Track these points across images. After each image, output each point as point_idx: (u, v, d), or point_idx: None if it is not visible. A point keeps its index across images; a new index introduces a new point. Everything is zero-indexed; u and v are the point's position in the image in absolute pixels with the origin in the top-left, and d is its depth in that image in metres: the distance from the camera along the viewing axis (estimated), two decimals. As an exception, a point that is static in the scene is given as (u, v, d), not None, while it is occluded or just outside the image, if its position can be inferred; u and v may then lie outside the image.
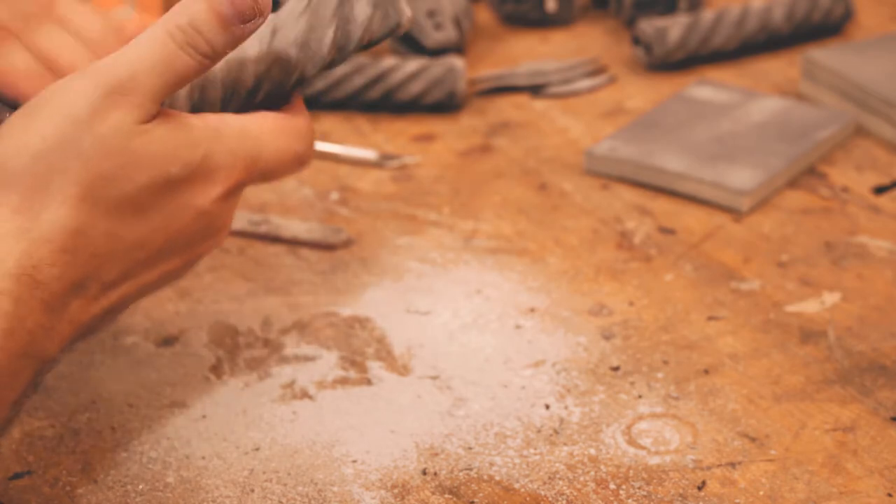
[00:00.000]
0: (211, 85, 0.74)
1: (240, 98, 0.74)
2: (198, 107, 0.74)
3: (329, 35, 0.74)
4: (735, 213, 1.05)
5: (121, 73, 0.70)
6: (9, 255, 0.68)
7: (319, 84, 1.19)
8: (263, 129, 0.75)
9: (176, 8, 0.71)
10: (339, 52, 0.75)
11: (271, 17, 0.75)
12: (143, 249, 0.73)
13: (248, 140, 0.74)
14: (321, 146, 1.13)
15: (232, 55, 0.74)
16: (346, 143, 1.16)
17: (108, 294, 0.72)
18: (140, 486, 0.81)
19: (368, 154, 1.12)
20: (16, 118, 0.70)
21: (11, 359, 0.68)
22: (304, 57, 0.74)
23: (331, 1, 0.75)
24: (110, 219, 0.71)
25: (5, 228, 0.68)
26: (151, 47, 0.70)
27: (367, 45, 0.76)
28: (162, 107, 0.73)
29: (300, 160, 0.77)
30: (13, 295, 0.68)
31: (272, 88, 0.75)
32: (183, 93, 0.75)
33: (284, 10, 0.75)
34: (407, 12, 0.75)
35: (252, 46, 0.74)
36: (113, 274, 0.72)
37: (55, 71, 0.80)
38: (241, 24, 0.71)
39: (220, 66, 0.74)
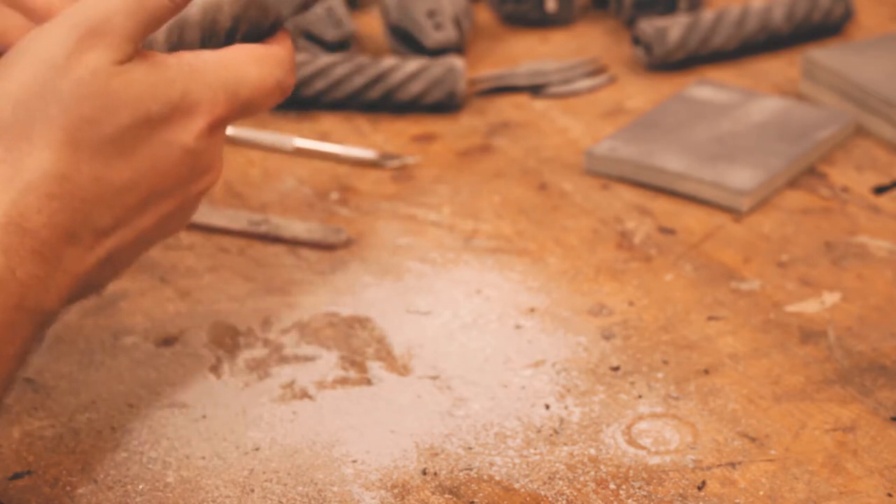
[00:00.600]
0: (188, 27, 0.75)
1: (218, 40, 0.75)
2: (176, 49, 0.75)
3: None
4: (735, 213, 1.05)
5: (95, 16, 0.70)
6: None
7: (319, 84, 1.19)
8: (241, 60, 0.75)
9: None
10: None
11: None
12: (133, 192, 0.72)
13: (226, 71, 0.74)
14: (321, 146, 1.13)
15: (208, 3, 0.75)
16: (346, 143, 1.16)
17: (102, 242, 0.72)
18: (140, 486, 0.81)
19: (368, 154, 1.12)
20: None
21: (5, 311, 0.68)
22: None
23: None
24: (95, 162, 0.70)
25: None
26: None
27: None
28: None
29: (282, 88, 0.77)
30: (1, 245, 0.67)
31: (250, 29, 0.75)
32: (161, 37, 0.75)
33: None
34: None
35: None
36: (105, 220, 0.72)
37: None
38: None
39: (196, 8, 0.75)
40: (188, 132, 0.73)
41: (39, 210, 0.69)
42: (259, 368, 0.90)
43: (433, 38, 1.25)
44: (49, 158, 0.69)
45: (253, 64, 0.75)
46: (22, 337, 0.69)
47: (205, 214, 1.03)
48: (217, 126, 0.75)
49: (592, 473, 0.81)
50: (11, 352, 0.69)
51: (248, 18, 0.75)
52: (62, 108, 0.69)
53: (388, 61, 1.20)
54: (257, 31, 0.76)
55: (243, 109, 0.76)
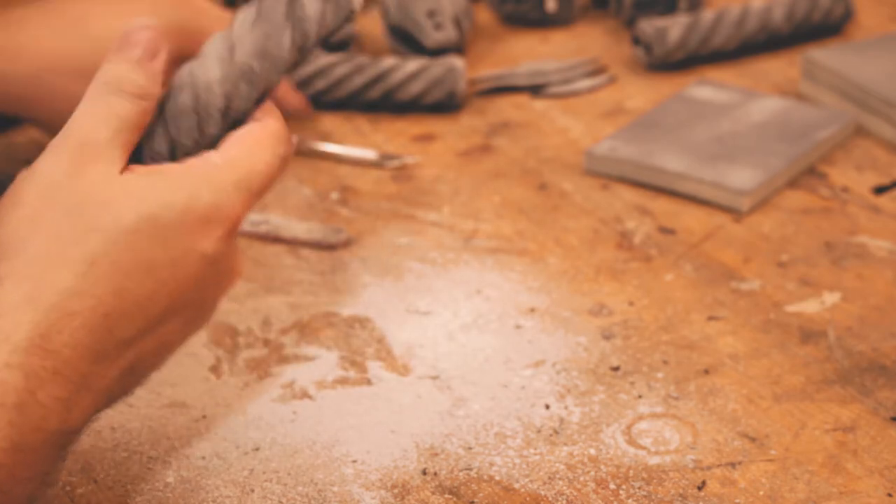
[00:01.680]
0: (183, 115, 0.75)
1: (214, 120, 0.75)
2: (175, 138, 0.74)
3: (286, 38, 0.75)
4: (735, 213, 1.05)
5: (79, 134, 0.72)
6: (18, 328, 0.68)
7: (320, 84, 1.19)
8: (246, 152, 0.74)
9: (96, 76, 0.74)
10: (301, 53, 0.76)
11: (224, 34, 0.76)
12: (154, 302, 0.72)
13: (235, 171, 0.74)
14: (321, 146, 1.13)
15: (197, 80, 0.75)
16: (346, 143, 1.16)
17: (124, 354, 0.71)
18: (140, 486, 0.81)
19: (368, 154, 1.12)
20: (6, 199, 0.71)
21: (25, 434, 0.67)
22: (268, 65, 0.75)
23: (279, 5, 0.76)
24: (114, 275, 0.70)
25: (13, 299, 0.68)
26: (92, 104, 0.73)
27: (325, 39, 0.77)
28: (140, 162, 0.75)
29: (285, 161, 0.77)
30: (24, 368, 0.67)
31: (242, 104, 0.75)
32: (159, 129, 0.75)
33: (236, 25, 0.76)
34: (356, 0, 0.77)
35: (214, 68, 0.75)
36: (127, 332, 0.71)
37: None
38: (149, 60, 0.74)
39: (188, 95, 0.75)
40: (207, 239, 0.73)
41: (61, 329, 0.68)
42: (259, 368, 0.90)
43: (433, 38, 1.25)
44: (68, 277, 0.69)
45: (258, 152, 0.75)
46: (42, 459, 0.69)
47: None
48: (236, 227, 0.74)
49: (592, 473, 0.81)
50: (29, 474, 0.68)
51: (240, 93, 0.75)
52: (72, 224, 0.70)
53: (388, 61, 1.20)
54: (249, 103, 0.76)
55: (257, 199, 0.76)
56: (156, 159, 0.74)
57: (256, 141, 0.75)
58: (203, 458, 0.83)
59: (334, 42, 1.24)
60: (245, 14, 0.76)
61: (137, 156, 0.74)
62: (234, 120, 0.75)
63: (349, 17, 0.76)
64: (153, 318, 0.72)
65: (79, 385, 0.69)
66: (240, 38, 0.75)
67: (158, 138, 0.74)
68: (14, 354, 0.67)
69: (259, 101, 0.76)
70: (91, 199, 0.70)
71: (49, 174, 0.71)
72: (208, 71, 0.75)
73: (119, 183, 0.71)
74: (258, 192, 0.75)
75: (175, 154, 0.74)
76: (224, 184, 0.73)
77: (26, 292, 0.68)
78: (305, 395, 0.88)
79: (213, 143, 0.75)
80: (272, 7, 0.75)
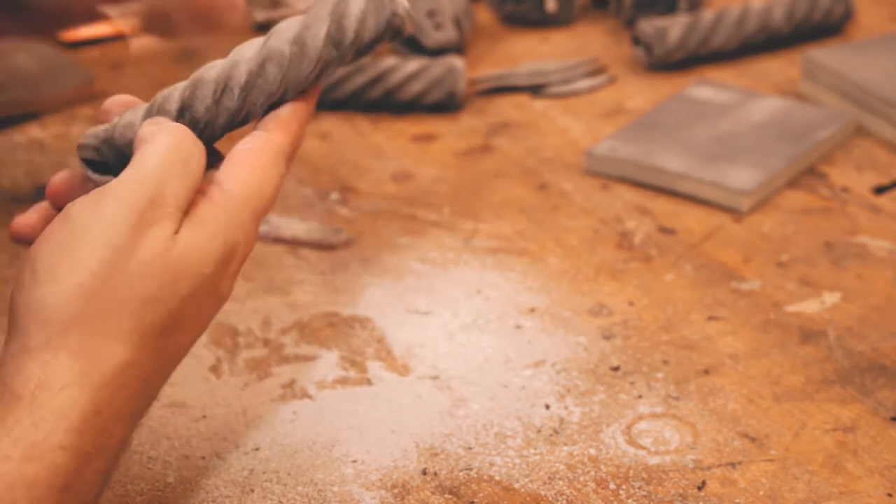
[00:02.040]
0: (204, 83, 0.75)
1: (232, 94, 0.75)
2: (188, 102, 0.74)
3: (323, 30, 0.75)
4: (735, 213, 1.05)
5: (150, 191, 0.70)
6: (73, 408, 0.68)
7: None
8: (258, 176, 0.74)
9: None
10: (336, 48, 0.76)
11: (274, 28, 0.76)
12: (181, 350, 0.73)
13: (253, 201, 0.74)
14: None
15: (230, 57, 0.75)
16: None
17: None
18: (140, 486, 0.81)
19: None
20: (55, 252, 0.69)
21: None
22: (298, 51, 0.75)
23: (326, 4, 0.76)
24: (159, 340, 0.71)
25: (67, 377, 0.68)
26: (158, 156, 0.71)
27: (366, 45, 0.77)
28: (154, 106, 0.74)
29: (283, 177, 0.77)
30: (75, 449, 0.67)
31: (266, 86, 0.75)
32: (177, 91, 0.75)
33: (285, 21, 0.76)
34: (403, 3, 0.76)
35: (249, 48, 0.75)
36: (160, 385, 0.73)
37: None
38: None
39: (216, 68, 0.75)
40: (229, 279, 0.74)
41: (111, 403, 0.69)
42: (259, 368, 0.90)
43: (433, 38, 1.25)
44: (122, 350, 0.69)
45: (268, 175, 0.75)
46: None
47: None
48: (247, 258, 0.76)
49: (592, 473, 0.81)
50: None
51: (265, 74, 0.75)
52: (131, 294, 0.69)
53: (388, 61, 1.20)
54: (272, 87, 0.75)
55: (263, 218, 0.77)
56: (166, 103, 0.74)
57: (267, 160, 0.75)
58: (203, 458, 0.83)
59: None
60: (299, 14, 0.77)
61: (150, 111, 0.75)
62: (254, 102, 0.75)
63: (391, 22, 0.76)
64: (179, 358, 0.73)
65: (117, 453, 0.70)
66: (282, 26, 0.76)
67: (172, 99, 0.75)
68: (69, 434, 0.67)
69: (284, 97, 0.76)
70: (152, 270, 0.70)
71: (110, 233, 0.69)
72: (242, 50, 0.75)
73: (175, 247, 0.70)
74: (265, 215, 0.75)
75: (182, 115, 0.74)
76: (244, 220, 0.73)
77: (81, 368, 0.68)
78: (305, 395, 0.88)
79: (225, 118, 0.75)
80: (320, 4, 0.76)
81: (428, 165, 1.13)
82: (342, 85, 1.19)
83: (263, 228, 1.03)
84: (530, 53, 1.30)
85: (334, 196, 1.09)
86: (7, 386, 0.67)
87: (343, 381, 0.89)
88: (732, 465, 0.82)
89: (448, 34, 1.25)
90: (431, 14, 1.26)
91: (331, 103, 1.20)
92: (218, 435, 0.85)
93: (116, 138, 0.75)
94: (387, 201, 1.08)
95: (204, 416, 0.86)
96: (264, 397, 0.88)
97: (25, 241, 0.75)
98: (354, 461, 0.82)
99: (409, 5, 0.77)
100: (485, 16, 1.36)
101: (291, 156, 0.76)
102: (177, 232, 0.71)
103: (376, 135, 1.17)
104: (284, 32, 0.76)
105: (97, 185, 0.74)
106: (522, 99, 1.22)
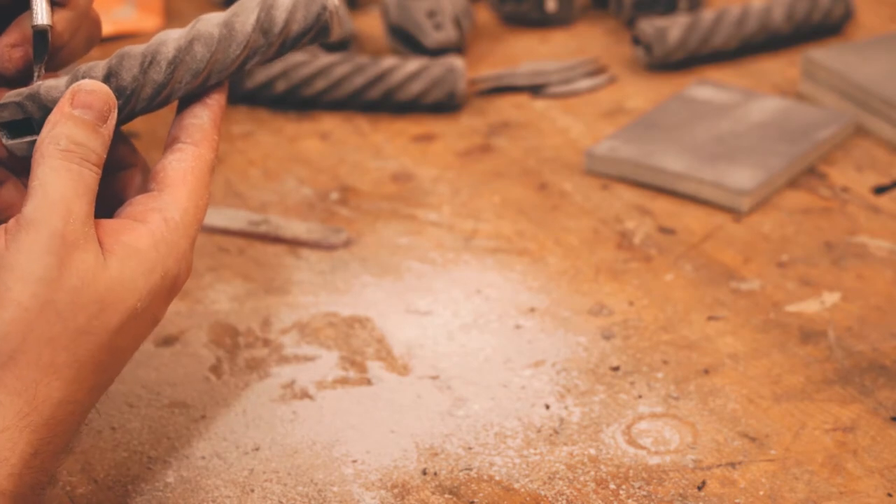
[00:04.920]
0: (130, 57, 0.75)
1: (159, 68, 0.75)
2: (115, 70, 0.75)
3: (252, 16, 0.76)
4: (735, 213, 1.05)
5: (59, 215, 0.69)
6: (13, 451, 0.67)
7: (319, 84, 1.19)
8: (194, 200, 0.74)
9: (46, 133, 0.71)
10: (265, 35, 0.77)
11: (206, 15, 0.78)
12: (113, 378, 0.73)
13: (189, 226, 0.74)
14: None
15: (154, 37, 0.76)
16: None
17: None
18: (140, 486, 0.81)
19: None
20: None
21: None
22: (227, 34, 0.76)
23: None
24: (94, 374, 0.70)
25: (7, 418, 0.67)
26: (62, 178, 0.70)
27: (294, 37, 0.78)
28: (78, 73, 0.74)
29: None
30: (12, 493, 0.67)
31: (194, 65, 0.76)
32: (101, 63, 0.75)
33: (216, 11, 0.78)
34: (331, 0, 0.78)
35: (175, 31, 0.77)
36: (89, 409, 0.72)
37: None
38: (102, 123, 0.72)
39: (143, 46, 0.76)
40: (165, 307, 0.74)
41: (50, 442, 0.69)
42: (259, 368, 0.90)
43: (433, 38, 1.25)
44: (59, 387, 0.69)
45: (201, 194, 0.75)
46: None
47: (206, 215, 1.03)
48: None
49: (592, 473, 0.81)
50: None
51: (193, 52, 0.76)
52: (63, 326, 0.69)
53: (388, 61, 1.20)
54: (199, 65, 0.76)
55: None
56: (90, 75, 0.74)
57: (202, 182, 0.75)
58: (203, 458, 0.83)
59: (334, 42, 1.24)
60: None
61: (70, 76, 0.74)
62: (179, 80, 0.75)
63: (321, 16, 0.77)
64: (107, 388, 0.73)
65: (45, 487, 0.70)
66: (210, 15, 0.77)
67: (97, 67, 0.75)
68: (9, 480, 0.67)
69: (208, 80, 0.76)
70: (82, 300, 0.69)
71: (36, 263, 0.68)
72: (169, 32, 0.76)
73: (105, 277, 0.70)
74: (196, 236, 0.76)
75: (108, 82, 0.74)
76: (184, 249, 0.73)
77: (20, 408, 0.68)
78: (305, 395, 0.88)
79: (151, 90, 0.75)
80: None
81: (428, 165, 1.13)
82: (342, 85, 1.19)
83: (263, 228, 1.03)
84: (530, 53, 1.30)
85: (334, 196, 1.09)
86: None
87: (343, 381, 0.89)
88: (732, 465, 0.82)
89: (448, 34, 1.25)
90: (431, 14, 1.26)
91: (331, 103, 1.20)
92: (218, 435, 0.85)
93: (42, 95, 0.74)
94: (387, 201, 1.08)
95: (204, 416, 0.86)
96: (264, 397, 0.88)
97: None
98: (354, 461, 0.82)
99: (338, 3, 0.78)
100: (485, 16, 1.36)
101: (211, 172, 0.77)
102: (102, 252, 0.70)
103: (376, 135, 1.17)
104: (213, 18, 0.77)
105: (9, 149, 0.74)
106: (522, 99, 1.22)
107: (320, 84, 1.19)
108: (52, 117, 0.71)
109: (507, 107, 1.21)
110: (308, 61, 1.19)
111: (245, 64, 0.77)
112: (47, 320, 0.68)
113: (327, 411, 0.86)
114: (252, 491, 0.80)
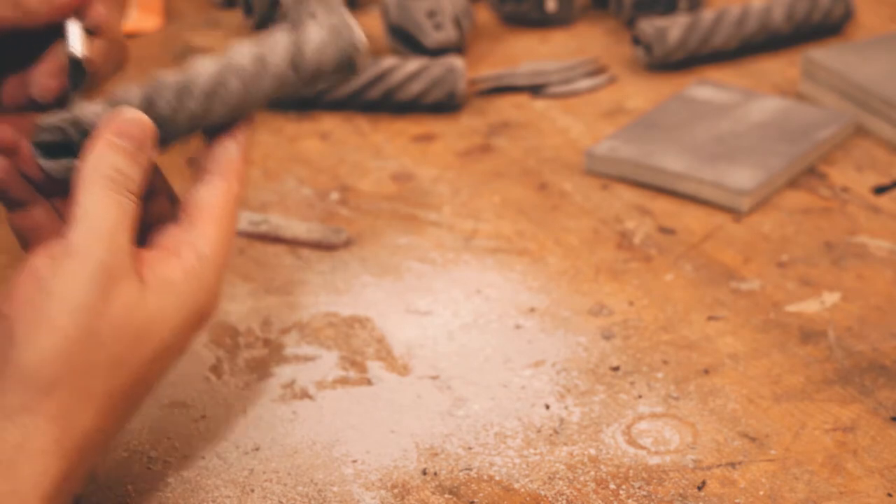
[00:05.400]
0: (166, 87, 0.76)
1: (195, 97, 0.76)
2: (151, 98, 0.75)
3: (285, 51, 0.77)
4: (735, 213, 1.05)
5: (104, 246, 0.70)
6: (46, 475, 0.68)
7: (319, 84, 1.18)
8: (224, 232, 0.76)
9: (92, 160, 0.72)
10: (296, 71, 0.78)
11: (236, 47, 0.79)
12: (139, 407, 0.74)
13: (219, 259, 0.75)
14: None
15: (187, 68, 0.77)
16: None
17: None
18: (140, 486, 0.81)
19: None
20: (29, 314, 0.69)
21: None
22: (260, 68, 0.77)
23: (287, 29, 0.78)
24: (123, 402, 0.72)
25: (43, 442, 0.69)
26: (107, 208, 0.71)
27: (324, 73, 0.79)
28: (114, 99, 0.75)
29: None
30: None
31: (228, 97, 0.77)
32: (135, 88, 0.76)
33: (248, 42, 0.79)
34: (361, 37, 0.79)
35: (207, 61, 0.77)
36: (112, 437, 0.74)
37: None
38: (141, 153, 0.74)
39: (178, 75, 0.77)
40: (192, 339, 0.75)
41: (79, 467, 0.70)
42: (259, 368, 0.90)
43: (433, 38, 1.25)
44: (92, 416, 0.70)
45: (230, 227, 0.76)
46: None
47: None
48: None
49: (592, 473, 0.81)
50: None
51: (226, 83, 0.77)
52: (103, 356, 0.70)
53: (388, 61, 1.20)
54: (233, 98, 0.77)
55: None
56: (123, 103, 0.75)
57: (231, 216, 0.76)
58: (203, 458, 0.83)
59: None
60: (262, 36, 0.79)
61: (113, 101, 0.75)
62: (214, 110, 0.76)
63: (351, 54, 0.78)
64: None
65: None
66: (242, 47, 0.78)
67: (132, 93, 0.76)
68: (41, 503, 0.68)
69: (240, 112, 0.77)
70: (121, 331, 0.70)
71: (80, 292, 0.69)
72: (200, 62, 0.77)
73: (143, 309, 0.71)
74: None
75: (147, 112, 0.75)
76: (213, 284, 0.75)
77: (55, 435, 0.69)
78: (305, 395, 0.88)
79: (186, 119, 0.76)
80: (281, 29, 0.78)
81: (428, 165, 1.13)
82: (342, 85, 1.19)
83: (263, 228, 1.03)
84: (530, 53, 1.30)
85: (334, 196, 1.09)
86: None
87: (343, 381, 0.89)
88: (732, 465, 0.82)
89: (448, 34, 1.25)
90: (431, 14, 1.26)
91: (331, 103, 1.20)
92: (218, 435, 0.85)
93: (82, 119, 0.75)
94: (387, 201, 1.08)
95: (204, 416, 0.86)
96: (264, 397, 0.88)
97: None
98: (354, 461, 0.82)
99: (366, 41, 0.79)
100: (485, 16, 1.36)
101: (239, 201, 0.78)
102: (141, 283, 0.71)
103: (376, 135, 1.17)
104: (246, 50, 0.78)
105: (44, 169, 0.75)
106: (522, 99, 1.22)
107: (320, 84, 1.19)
108: (93, 144, 0.73)
109: (507, 107, 1.21)
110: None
111: (274, 97, 0.78)
112: (88, 349, 0.70)
113: (327, 411, 0.86)
114: (252, 491, 0.80)
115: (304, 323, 0.94)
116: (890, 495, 0.79)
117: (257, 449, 0.83)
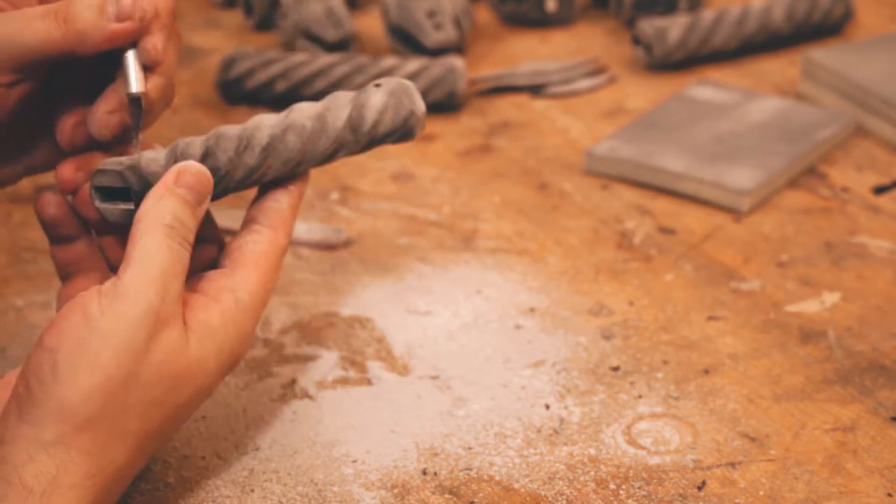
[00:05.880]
0: (227, 139, 0.78)
1: (253, 152, 0.78)
2: (212, 150, 0.77)
3: (345, 113, 0.79)
4: (735, 213, 1.05)
5: (156, 291, 0.72)
6: None
7: (319, 84, 1.19)
8: (265, 281, 0.77)
9: (151, 206, 0.74)
10: (354, 132, 0.79)
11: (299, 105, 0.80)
12: (165, 443, 0.77)
13: (257, 307, 0.77)
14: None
15: (248, 122, 0.78)
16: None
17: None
18: (140, 486, 0.81)
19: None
20: (76, 351, 0.71)
21: None
22: (319, 127, 0.79)
23: (349, 92, 0.80)
24: (153, 441, 0.74)
25: (76, 477, 0.70)
26: (163, 253, 0.73)
27: (381, 136, 0.80)
28: (176, 150, 0.77)
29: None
30: None
31: (286, 153, 0.78)
32: (197, 140, 0.78)
33: (312, 102, 0.80)
34: (420, 105, 0.81)
35: (270, 117, 0.79)
36: (137, 473, 0.75)
37: None
38: (199, 205, 0.76)
39: (238, 127, 0.78)
40: (221, 381, 0.77)
41: (106, 502, 0.72)
42: (259, 368, 0.90)
43: (433, 38, 1.25)
44: (123, 453, 0.72)
45: (271, 276, 0.78)
46: None
47: None
48: None
49: (592, 473, 0.81)
50: None
51: (286, 141, 0.78)
52: (141, 397, 0.72)
53: (388, 61, 1.20)
54: (290, 154, 0.79)
55: None
56: (187, 153, 0.77)
57: (274, 266, 0.78)
58: (203, 458, 0.83)
59: (334, 42, 1.24)
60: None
61: (173, 152, 0.77)
62: (270, 165, 0.78)
63: (408, 119, 0.80)
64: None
65: None
66: (303, 105, 0.80)
67: (194, 145, 0.78)
68: None
69: (297, 169, 0.79)
70: (162, 375, 0.72)
71: (128, 334, 0.71)
72: (263, 118, 0.79)
73: (185, 355, 0.73)
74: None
75: (204, 161, 0.77)
76: (249, 330, 0.76)
77: (89, 469, 0.70)
78: (305, 395, 0.88)
79: (243, 173, 0.78)
80: (343, 93, 0.80)
81: (428, 165, 1.13)
82: (342, 85, 1.19)
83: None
84: (530, 53, 1.30)
85: (334, 196, 1.09)
86: (18, 474, 0.69)
87: (343, 381, 0.89)
88: (732, 465, 0.82)
89: (448, 34, 1.25)
90: (431, 14, 1.26)
91: (331, 103, 1.20)
92: (218, 435, 0.85)
93: (143, 167, 0.77)
94: (387, 201, 1.08)
95: (204, 416, 0.86)
96: (264, 397, 0.88)
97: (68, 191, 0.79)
98: (354, 461, 0.82)
99: (424, 108, 0.81)
100: (485, 16, 1.36)
101: (282, 256, 0.80)
102: (184, 328, 0.73)
103: (376, 135, 1.17)
104: (306, 109, 0.79)
105: (100, 211, 0.77)
106: (522, 99, 1.22)
107: (320, 84, 1.19)
108: (156, 191, 0.74)
109: (507, 107, 1.21)
110: (308, 61, 1.19)
111: (331, 157, 0.80)
112: (127, 390, 0.71)
113: (327, 411, 0.86)
114: (252, 491, 0.80)
115: (304, 323, 0.94)
116: (890, 495, 0.79)
117: (257, 449, 0.83)
